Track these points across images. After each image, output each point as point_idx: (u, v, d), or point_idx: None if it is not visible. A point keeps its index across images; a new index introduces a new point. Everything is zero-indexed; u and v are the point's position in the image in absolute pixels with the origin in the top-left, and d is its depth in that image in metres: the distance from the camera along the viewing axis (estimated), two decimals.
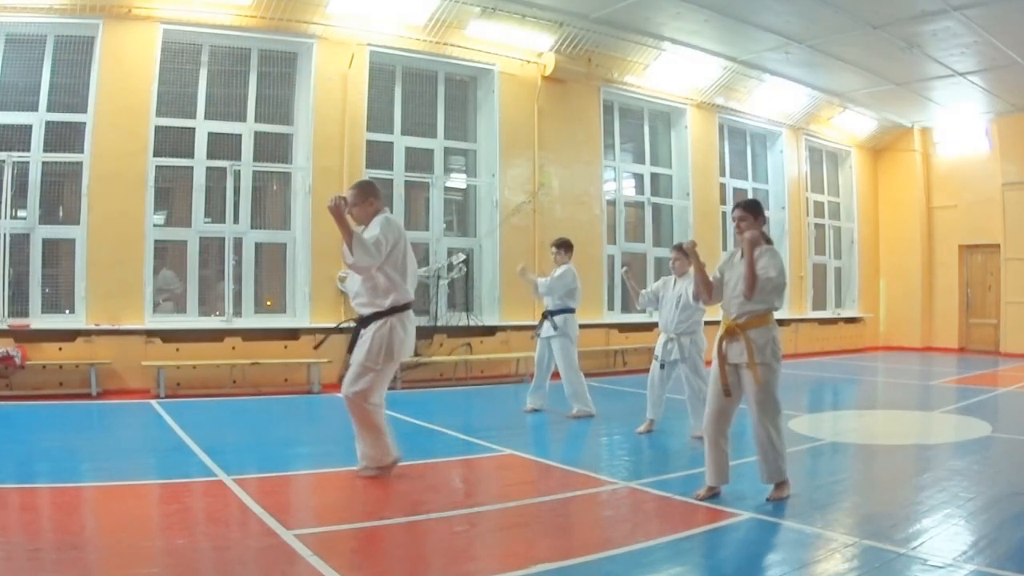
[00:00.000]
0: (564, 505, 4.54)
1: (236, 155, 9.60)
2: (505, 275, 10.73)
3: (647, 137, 13.13)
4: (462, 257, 10.71)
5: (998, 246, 14.99)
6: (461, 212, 11.59)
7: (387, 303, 4.76)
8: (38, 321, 8.44)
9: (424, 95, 10.95)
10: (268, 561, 3.48)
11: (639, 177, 13.19)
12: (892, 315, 16.72)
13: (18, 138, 8.52)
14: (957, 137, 15.65)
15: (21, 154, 8.51)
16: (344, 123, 9.85)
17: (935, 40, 10.91)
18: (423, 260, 10.63)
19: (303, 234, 9.73)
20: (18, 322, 8.29)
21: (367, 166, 10.09)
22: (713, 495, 4.50)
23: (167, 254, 9.54)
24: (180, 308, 9.40)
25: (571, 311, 7.68)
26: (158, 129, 9.01)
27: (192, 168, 9.38)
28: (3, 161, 8.42)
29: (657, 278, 8.41)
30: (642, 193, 13.14)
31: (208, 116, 9.50)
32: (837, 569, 3.42)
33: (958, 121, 15.33)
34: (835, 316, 16.00)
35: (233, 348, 9.10)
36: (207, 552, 3.63)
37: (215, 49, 9.52)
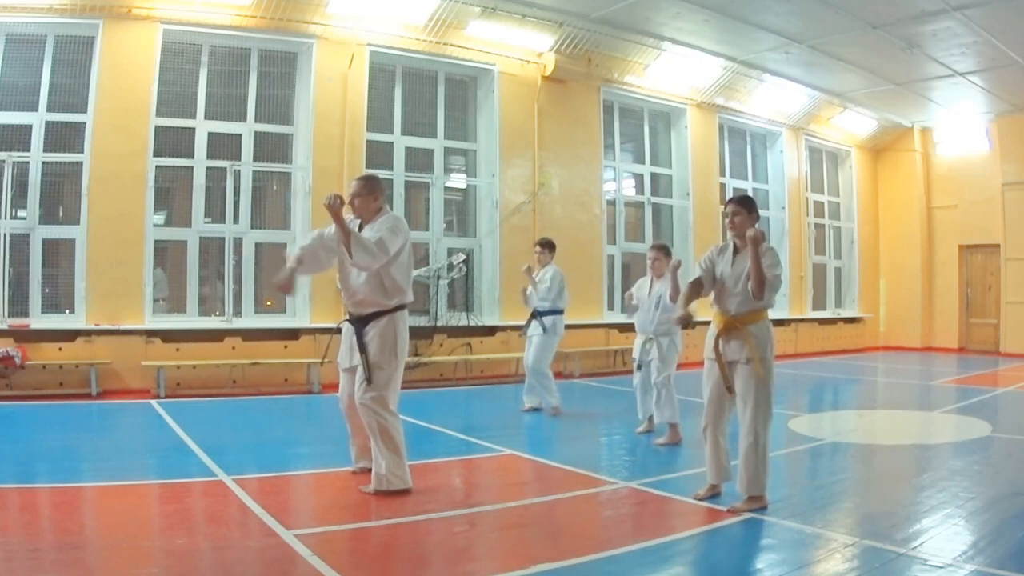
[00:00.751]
0: (564, 505, 4.54)
1: (236, 155, 9.61)
2: (505, 275, 10.73)
3: (647, 137, 13.13)
4: (462, 257, 10.70)
5: (998, 246, 14.98)
6: (461, 212, 11.59)
7: (392, 303, 4.67)
8: (38, 321, 8.44)
9: (424, 95, 10.95)
10: (268, 561, 3.48)
11: (639, 177, 13.19)
12: (892, 315, 16.72)
13: (18, 138, 8.52)
14: (957, 137, 15.64)
15: (21, 154, 8.50)
16: (344, 123, 9.85)
17: (935, 40, 10.91)
18: (423, 260, 10.64)
19: (303, 234, 9.70)
20: (18, 322, 8.29)
21: (367, 166, 10.08)
22: (715, 494, 4.47)
23: (167, 254, 9.55)
24: (172, 308, 9.40)
25: (561, 312, 7.76)
26: (158, 129, 9.01)
27: (192, 168, 9.38)
28: (3, 161, 8.41)
29: None
30: (642, 193, 13.14)
31: (208, 116, 9.50)
32: (837, 569, 3.43)
33: (958, 121, 15.33)
34: (835, 316, 16.00)
35: (233, 348, 9.10)
36: (207, 552, 3.63)
37: (215, 49, 9.52)
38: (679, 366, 6.53)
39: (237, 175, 9.61)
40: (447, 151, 11.21)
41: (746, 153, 14.80)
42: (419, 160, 10.86)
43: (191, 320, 9.28)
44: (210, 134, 9.49)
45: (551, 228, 10.81)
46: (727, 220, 4.51)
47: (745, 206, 4.48)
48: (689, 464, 5.39)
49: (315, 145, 9.70)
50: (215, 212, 9.65)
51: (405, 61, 10.61)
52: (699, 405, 4.61)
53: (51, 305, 8.71)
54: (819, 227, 16.08)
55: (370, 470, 4.71)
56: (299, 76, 9.96)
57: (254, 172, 9.76)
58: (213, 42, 9.43)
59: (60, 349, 8.34)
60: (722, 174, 14.07)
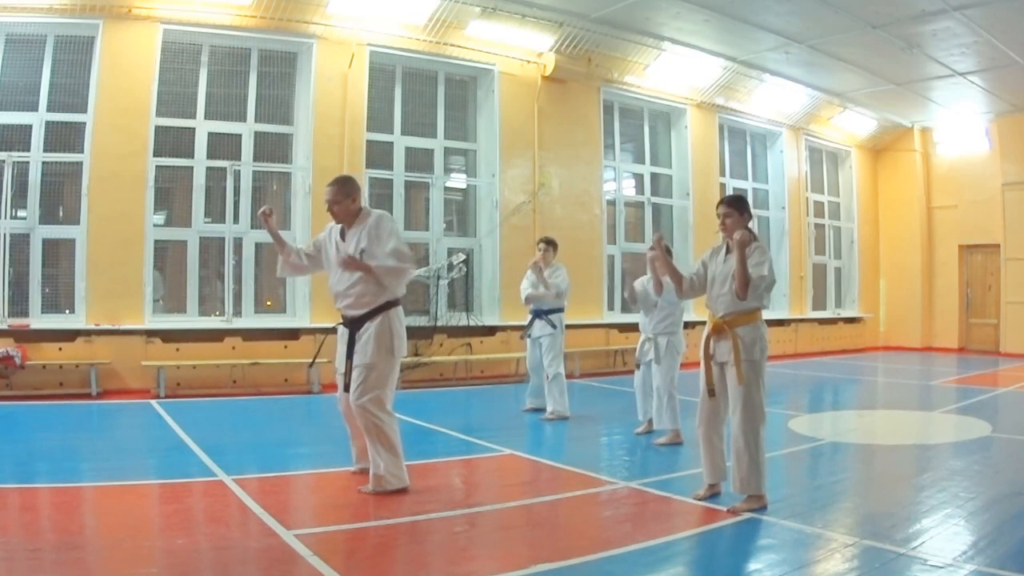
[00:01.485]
0: (564, 505, 4.54)
1: (236, 155, 9.61)
2: (505, 275, 10.73)
3: (647, 137, 13.13)
4: (462, 257, 10.70)
5: (998, 246, 14.98)
6: (461, 212, 11.59)
7: (384, 299, 4.61)
8: (38, 321, 8.44)
9: (424, 95, 10.95)
10: (268, 561, 3.48)
11: (639, 177, 13.20)
12: (892, 315, 16.72)
13: (18, 138, 8.52)
14: (957, 137, 15.64)
15: (21, 154, 8.50)
16: (344, 123, 9.85)
17: (935, 40, 10.91)
18: (423, 260, 10.64)
19: (303, 234, 9.71)
20: (18, 322, 8.29)
21: (367, 166, 10.10)
22: (715, 493, 4.47)
23: (167, 254, 9.55)
24: (171, 308, 9.40)
25: (562, 309, 7.61)
26: (158, 129, 9.01)
27: (192, 168, 9.38)
28: (3, 161, 8.41)
29: None
30: (642, 193, 13.14)
31: (208, 116, 9.50)
32: (837, 569, 3.42)
33: (958, 121, 15.33)
34: (835, 316, 15.99)
35: (233, 348, 9.10)
36: (207, 552, 3.63)
37: (215, 49, 9.52)
38: (682, 366, 6.51)
39: (237, 175, 9.61)
40: (447, 151, 11.21)
41: (746, 153, 14.80)
42: (419, 160, 10.86)
43: (191, 320, 9.28)
44: (210, 134, 9.49)
45: (551, 228, 10.80)
46: (719, 221, 4.49)
47: (736, 207, 4.45)
48: (689, 464, 5.38)
49: (315, 145, 9.70)
50: (215, 212, 9.66)
51: (405, 61, 10.61)
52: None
53: (51, 305, 8.71)
54: (819, 227, 16.08)
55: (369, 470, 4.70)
56: (299, 76, 9.96)
57: (254, 172, 9.76)
58: (213, 42, 9.43)
59: (60, 349, 8.34)
60: (722, 174, 14.07)
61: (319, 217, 9.24)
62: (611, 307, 12.30)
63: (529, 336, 7.73)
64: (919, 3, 9.69)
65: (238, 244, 9.62)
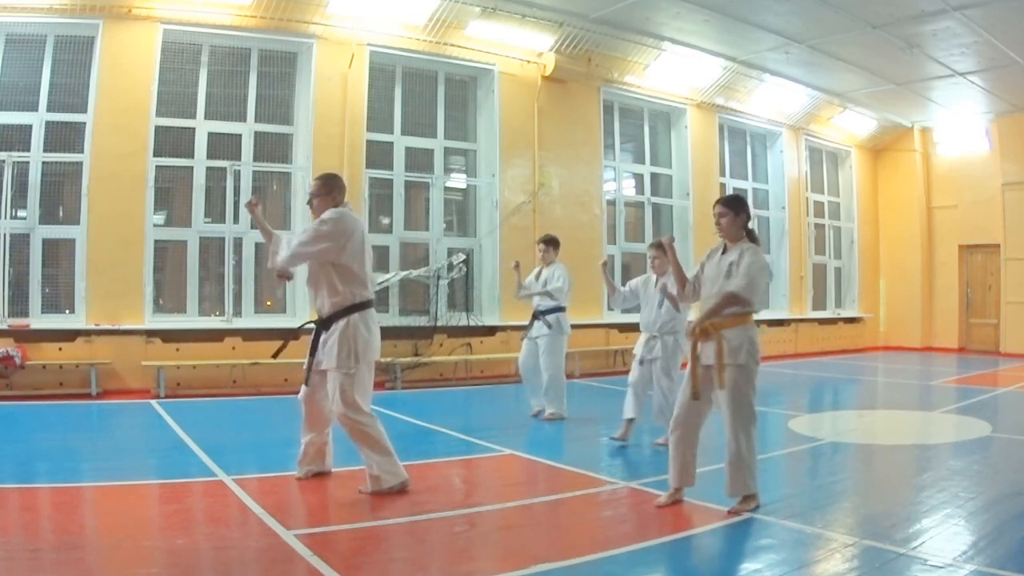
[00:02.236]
0: (564, 505, 4.54)
1: (236, 155, 9.61)
2: (505, 275, 10.72)
3: (647, 137, 13.14)
4: (462, 257, 10.70)
5: (998, 246, 14.98)
6: (461, 212, 11.59)
7: (347, 301, 4.57)
8: (38, 321, 8.44)
9: (424, 95, 10.96)
10: (268, 561, 3.48)
11: (639, 177, 13.20)
12: (892, 315, 16.72)
13: (18, 138, 8.53)
14: (957, 137, 15.64)
15: (21, 154, 8.51)
16: (344, 123, 9.85)
17: (935, 40, 10.91)
18: (423, 260, 10.64)
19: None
20: (18, 322, 8.29)
21: (367, 166, 10.10)
22: (676, 500, 4.34)
23: (167, 254, 9.55)
24: (171, 308, 9.39)
25: (563, 309, 7.51)
26: (158, 129, 9.01)
27: (192, 168, 9.38)
28: (3, 161, 8.42)
29: None
30: (642, 193, 13.14)
31: (208, 116, 9.50)
32: (837, 569, 3.42)
33: (958, 121, 15.33)
34: (835, 316, 15.99)
35: (233, 348, 9.10)
36: (207, 552, 3.63)
37: (215, 49, 9.52)
38: (682, 365, 6.47)
39: (237, 175, 9.61)
40: (447, 151, 11.21)
41: (746, 153, 14.81)
42: (419, 160, 10.87)
43: (191, 320, 9.28)
44: (210, 134, 9.49)
45: (551, 228, 10.76)
46: (715, 222, 4.46)
47: (732, 206, 4.40)
48: None
49: (315, 145, 9.70)
50: (215, 212, 9.65)
51: (405, 61, 10.61)
52: None
53: (51, 305, 8.71)
54: (819, 227, 16.08)
55: (318, 475, 4.89)
56: (299, 76, 9.96)
57: (254, 172, 9.75)
58: (213, 42, 9.43)
59: (60, 349, 8.34)
60: (722, 174, 14.07)
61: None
62: (611, 307, 12.27)
63: (528, 337, 7.67)
64: (919, 3, 9.69)
65: (238, 244, 9.62)
